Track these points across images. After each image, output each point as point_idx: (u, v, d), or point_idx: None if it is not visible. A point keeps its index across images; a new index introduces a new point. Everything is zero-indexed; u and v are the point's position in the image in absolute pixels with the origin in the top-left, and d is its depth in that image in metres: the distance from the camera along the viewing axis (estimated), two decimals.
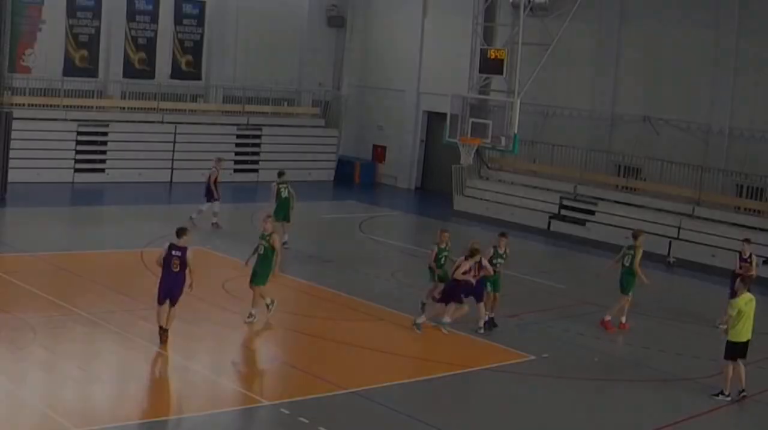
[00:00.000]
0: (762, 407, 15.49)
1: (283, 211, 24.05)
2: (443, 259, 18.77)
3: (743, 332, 15.16)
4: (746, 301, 15.16)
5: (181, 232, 15.86)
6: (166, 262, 15.65)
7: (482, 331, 18.14)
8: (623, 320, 19.37)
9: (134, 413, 12.78)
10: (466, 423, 13.70)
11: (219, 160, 27.32)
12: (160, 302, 15.66)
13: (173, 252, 15.63)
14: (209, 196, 26.17)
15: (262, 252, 17.51)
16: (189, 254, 15.66)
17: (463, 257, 17.87)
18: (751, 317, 15.20)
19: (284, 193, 24.23)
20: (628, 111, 31.52)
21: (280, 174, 24.75)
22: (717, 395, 15.32)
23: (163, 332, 15.69)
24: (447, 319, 17.86)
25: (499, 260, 18.72)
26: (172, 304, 15.72)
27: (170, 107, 35.03)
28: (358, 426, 13.33)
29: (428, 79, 37.27)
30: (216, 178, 26.24)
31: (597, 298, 21.60)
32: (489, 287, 18.53)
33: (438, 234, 19.05)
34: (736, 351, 15.24)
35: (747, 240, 21.08)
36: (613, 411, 14.90)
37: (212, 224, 25.89)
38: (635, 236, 19.62)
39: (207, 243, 23.98)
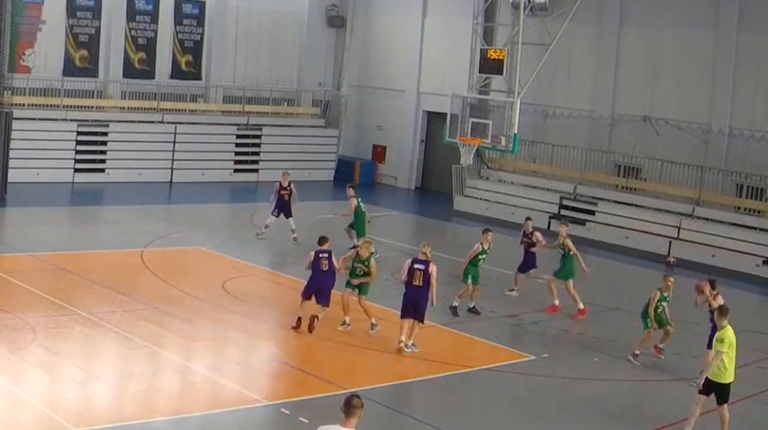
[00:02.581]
0: (762, 407, 15.48)
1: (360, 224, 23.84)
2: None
3: (731, 371, 13.26)
4: (733, 333, 13.33)
5: (322, 239, 17.46)
6: (315, 264, 17.14)
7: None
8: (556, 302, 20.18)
9: (134, 413, 12.77)
10: (466, 423, 13.69)
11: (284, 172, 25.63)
12: (304, 297, 17.24)
13: (320, 254, 17.15)
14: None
15: (360, 274, 17.38)
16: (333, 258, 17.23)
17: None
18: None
19: (363, 207, 23.94)
20: (628, 111, 31.52)
21: (353, 187, 24.47)
22: None
23: (299, 322, 16.99)
24: None
25: (484, 256, 19.36)
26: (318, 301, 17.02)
27: (170, 107, 35.03)
28: (358, 426, 13.30)
29: (428, 79, 37.27)
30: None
31: (597, 298, 21.59)
32: (470, 280, 19.13)
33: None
34: (723, 393, 13.34)
35: (529, 218, 22.19)
36: (613, 411, 14.89)
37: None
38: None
39: (207, 243, 24.02)
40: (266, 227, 24.84)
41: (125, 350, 15.50)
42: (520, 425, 13.97)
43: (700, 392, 13.53)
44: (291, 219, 24.84)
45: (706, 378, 13.33)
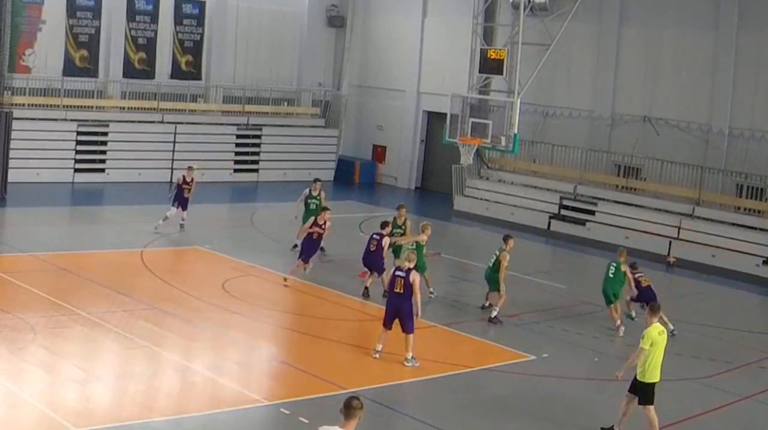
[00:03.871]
0: (762, 407, 15.49)
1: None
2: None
3: (656, 372, 13.05)
4: (659, 331, 13.13)
5: (384, 224, 20.45)
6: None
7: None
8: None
9: (134, 413, 12.77)
10: (467, 423, 13.69)
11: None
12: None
13: (374, 235, 20.20)
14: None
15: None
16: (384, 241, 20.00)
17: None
18: (662, 354, 13.15)
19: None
20: (628, 111, 31.53)
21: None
22: None
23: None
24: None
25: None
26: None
27: (170, 107, 35.03)
28: (358, 426, 13.30)
29: (428, 79, 37.28)
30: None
31: (597, 298, 21.58)
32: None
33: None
34: (644, 393, 13.11)
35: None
36: (614, 411, 14.88)
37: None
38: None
39: (207, 243, 24.02)
40: (165, 219, 24.74)
41: (125, 350, 15.49)
42: (519, 425, 13.96)
43: (629, 391, 13.34)
44: (185, 213, 24.97)
45: (637, 382, 13.11)
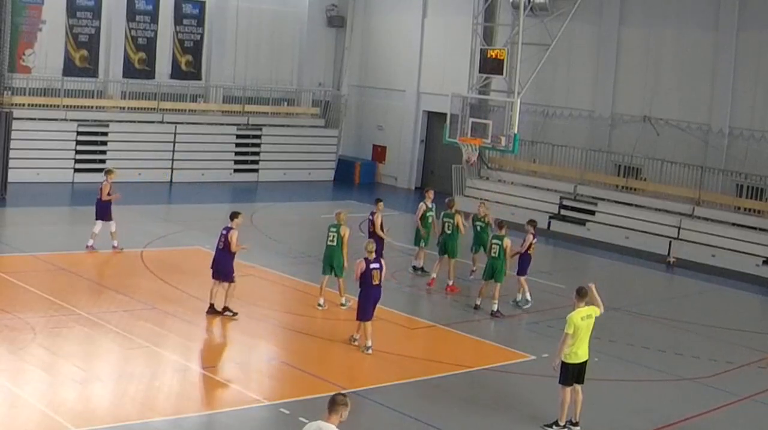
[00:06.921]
0: (762, 407, 15.49)
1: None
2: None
3: (581, 353, 13.57)
4: (583, 316, 13.54)
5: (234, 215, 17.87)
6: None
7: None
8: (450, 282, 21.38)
9: (134, 413, 12.78)
10: (467, 423, 13.69)
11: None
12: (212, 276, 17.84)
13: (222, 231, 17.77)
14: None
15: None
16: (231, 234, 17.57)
17: None
18: (588, 335, 13.67)
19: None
20: (628, 111, 31.52)
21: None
22: (550, 426, 13.68)
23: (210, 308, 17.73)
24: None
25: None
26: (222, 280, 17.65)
27: (170, 107, 35.04)
28: (359, 426, 13.31)
29: (428, 79, 37.29)
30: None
31: None
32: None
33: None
34: (572, 375, 13.62)
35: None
36: (613, 411, 14.89)
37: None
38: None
39: (207, 243, 24.00)
40: (94, 236, 22.26)
41: (125, 350, 15.49)
42: (520, 425, 13.96)
43: (561, 382, 13.70)
44: (111, 223, 22.37)
45: (563, 364, 13.63)
